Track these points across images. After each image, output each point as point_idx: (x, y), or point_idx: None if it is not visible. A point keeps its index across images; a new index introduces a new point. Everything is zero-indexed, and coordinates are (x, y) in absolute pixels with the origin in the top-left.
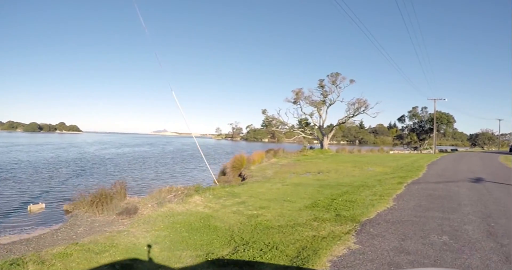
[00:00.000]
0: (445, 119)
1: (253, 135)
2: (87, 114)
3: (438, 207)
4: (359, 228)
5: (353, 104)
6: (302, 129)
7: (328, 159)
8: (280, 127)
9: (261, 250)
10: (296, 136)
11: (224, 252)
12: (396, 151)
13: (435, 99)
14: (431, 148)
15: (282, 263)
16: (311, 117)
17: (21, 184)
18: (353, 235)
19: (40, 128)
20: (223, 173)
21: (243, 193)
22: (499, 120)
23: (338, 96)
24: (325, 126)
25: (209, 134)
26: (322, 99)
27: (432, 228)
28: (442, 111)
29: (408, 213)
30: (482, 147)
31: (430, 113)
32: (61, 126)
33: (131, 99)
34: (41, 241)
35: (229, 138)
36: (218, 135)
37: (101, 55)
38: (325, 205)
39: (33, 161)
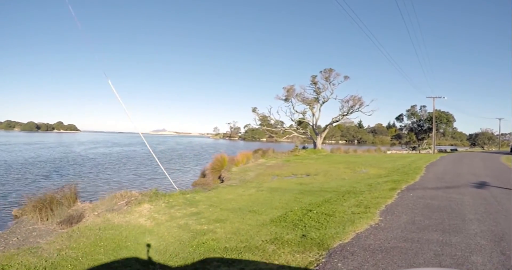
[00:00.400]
0: (444, 118)
1: (251, 135)
2: (86, 113)
3: (436, 224)
4: (324, 259)
5: (347, 101)
6: (295, 128)
7: (320, 160)
8: (277, 126)
9: None
10: (288, 135)
11: None
12: (394, 151)
13: (434, 98)
14: (430, 148)
15: None
16: (303, 116)
17: None
18: None
19: (37, 127)
20: (204, 175)
21: (204, 200)
22: (500, 119)
23: (331, 93)
24: (320, 124)
25: (207, 134)
26: (315, 96)
27: (427, 260)
28: (442, 110)
29: (397, 234)
30: (482, 147)
31: (429, 112)
32: (59, 126)
33: (131, 98)
34: None
35: (227, 138)
36: (216, 134)
37: (101, 54)
38: (295, 219)
39: (9, 161)
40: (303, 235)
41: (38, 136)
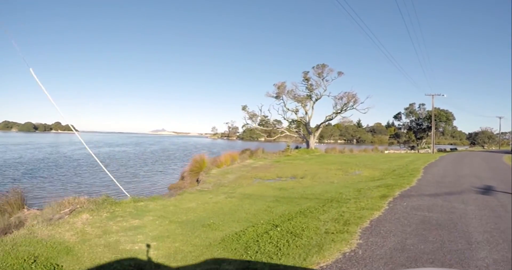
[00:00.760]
0: (444, 117)
1: (249, 134)
2: (85, 114)
3: (434, 250)
4: None
5: (341, 98)
6: (287, 127)
7: (312, 161)
8: (271, 125)
9: None
10: (280, 135)
11: None
12: (391, 151)
13: (433, 95)
14: (429, 147)
15: None
16: (296, 114)
17: None
18: None
19: (35, 128)
20: (183, 177)
21: (158, 210)
22: (500, 118)
23: (325, 90)
24: (312, 123)
25: (205, 134)
26: (308, 93)
27: None
28: (441, 108)
29: None
30: (482, 146)
31: (428, 110)
32: (57, 126)
33: (131, 99)
34: None
35: (225, 138)
36: (214, 134)
37: (100, 54)
38: (251, 239)
39: None
40: (246, 268)
41: (33, 136)
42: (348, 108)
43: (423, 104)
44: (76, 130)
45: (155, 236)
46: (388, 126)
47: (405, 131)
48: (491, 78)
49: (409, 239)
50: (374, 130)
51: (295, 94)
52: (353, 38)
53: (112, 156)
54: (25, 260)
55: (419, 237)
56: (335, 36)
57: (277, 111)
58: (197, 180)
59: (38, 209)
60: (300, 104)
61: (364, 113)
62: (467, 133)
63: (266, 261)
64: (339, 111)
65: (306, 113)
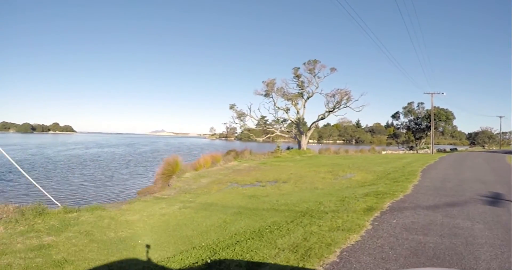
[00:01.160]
0: (443, 116)
1: (247, 135)
2: (83, 114)
3: None
4: None
5: (333, 96)
6: (278, 127)
7: (302, 162)
8: (274, 126)
9: None
10: (270, 135)
11: None
12: (389, 151)
13: (432, 93)
14: (428, 147)
15: None
16: (287, 113)
17: None
18: None
19: (33, 128)
20: (156, 181)
21: (87, 223)
22: (501, 117)
23: (317, 88)
24: (306, 122)
25: (204, 134)
26: (299, 91)
27: None
28: (441, 107)
29: None
30: (483, 146)
31: (427, 109)
32: (55, 127)
33: (131, 99)
34: None
35: (223, 138)
36: (212, 135)
37: (100, 55)
38: None
39: None
40: None
41: (28, 137)
42: (342, 106)
43: (422, 103)
44: (74, 131)
45: (58, 260)
46: (388, 126)
47: (405, 131)
48: (491, 78)
49: None
50: (373, 130)
51: (284, 92)
52: (350, 36)
53: (95, 158)
54: None
55: None
56: (333, 34)
57: (268, 110)
58: (169, 185)
59: None
60: (290, 102)
61: (359, 111)
62: (466, 133)
63: None
64: (331, 109)
65: (298, 112)
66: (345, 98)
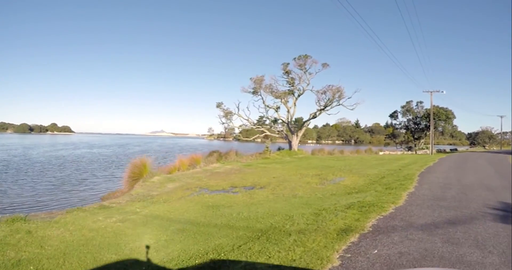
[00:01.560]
0: (443, 115)
1: (245, 135)
2: (83, 115)
3: None
4: None
5: (324, 92)
6: (268, 127)
7: (290, 164)
8: (264, 125)
9: None
10: (258, 135)
11: None
12: (387, 152)
13: (431, 92)
14: (427, 148)
15: None
16: (276, 111)
17: None
18: None
19: (31, 129)
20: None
21: None
22: (501, 117)
23: (307, 84)
24: (302, 120)
25: (202, 135)
26: (289, 88)
27: None
28: (440, 106)
29: None
30: (484, 146)
31: (426, 109)
32: (53, 127)
33: (130, 100)
34: None
35: (221, 138)
36: (210, 135)
37: (100, 55)
38: None
39: None
40: None
41: (23, 138)
42: (335, 105)
43: (421, 102)
44: (72, 131)
45: None
46: (387, 126)
47: (404, 131)
48: (491, 77)
49: None
50: (372, 130)
51: (272, 89)
52: (348, 33)
53: (78, 159)
54: None
55: None
56: (331, 33)
57: (258, 109)
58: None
59: None
60: (280, 100)
61: (352, 109)
62: (466, 133)
63: None
64: (322, 107)
65: (288, 110)
66: (337, 95)
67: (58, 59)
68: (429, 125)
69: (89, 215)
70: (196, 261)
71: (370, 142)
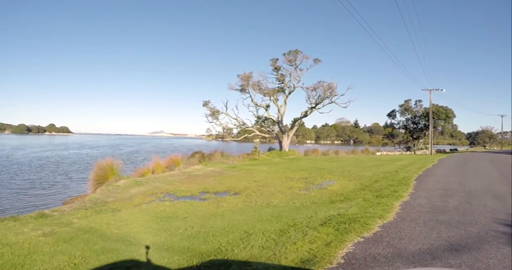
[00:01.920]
0: (443, 114)
1: (243, 136)
2: (83, 116)
3: None
4: None
5: (314, 89)
6: (258, 126)
7: (278, 166)
8: (254, 125)
9: None
10: (247, 134)
11: None
12: (384, 152)
13: (430, 90)
14: (426, 148)
15: None
16: (266, 110)
17: None
18: None
19: (28, 130)
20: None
21: None
22: (502, 116)
23: (298, 81)
24: (287, 120)
25: (201, 135)
26: (279, 85)
27: None
28: (440, 105)
29: None
30: (484, 146)
31: (425, 107)
32: (51, 128)
33: (130, 100)
34: None
35: (220, 139)
36: (209, 135)
37: (100, 55)
38: None
39: None
40: None
41: (18, 138)
42: (327, 102)
43: (419, 101)
44: (71, 132)
45: None
46: (386, 126)
47: (404, 131)
48: (491, 77)
49: None
50: (371, 130)
51: (260, 86)
52: (346, 32)
53: (61, 160)
54: None
55: None
56: (329, 32)
57: (248, 108)
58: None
59: None
60: (268, 97)
61: (345, 107)
62: (465, 132)
63: None
64: (313, 105)
65: (279, 109)
66: (328, 92)
67: (57, 59)
68: (428, 125)
69: (18, 225)
70: None
71: (369, 142)
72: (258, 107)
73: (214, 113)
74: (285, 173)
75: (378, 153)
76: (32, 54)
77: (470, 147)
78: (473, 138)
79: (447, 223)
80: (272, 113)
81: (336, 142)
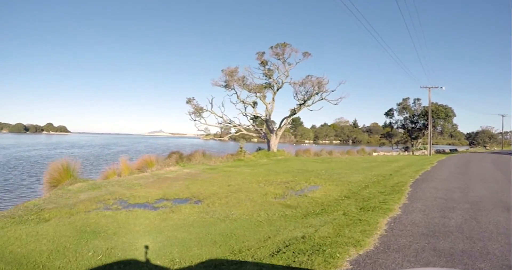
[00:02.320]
0: (442, 113)
1: (241, 135)
2: (82, 115)
3: None
4: None
5: (302, 84)
6: (246, 125)
7: (262, 168)
8: (240, 123)
9: None
10: (233, 134)
11: None
12: (381, 153)
13: (429, 88)
14: (425, 148)
15: None
16: (253, 107)
17: None
18: None
19: (26, 129)
20: None
21: None
22: (502, 116)
23: (286, 77)
24: (277, 118)
25: (199, 135)
26: (266, 81)
27: None
28: (439, 103)
29: None
30: (485, 147)
31: (424, 106)
32: (49, 127)
33: (129, 100)
34: None
35: (217, 138)
36: (206, 135)
37: (99, 55)
38: None
39: None
40: None
41: (13, 137)
42: (317, 99)
43: (418, 99)
44: (68, 131)
45: None
46: (385, 125)
47: (403, 131)
48: (491, 76)
49: None
50: (370, 130)
51: (245, 82)
52: (345, 28)
53: (41, 160)
54: None
55: None
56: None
57: (235, 105)
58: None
59: None
60: (254, 94)
61: (336, 104)
62: (465, 132)
63: None
64: (302, 102)
65: (266, 106)
66: (317, 87)
67: (56, 58)
68: (427, 124)
69: None
70: None
71: (368, 142)
72: (246, 104)
73: (198, 111)
74: (267, 176)
75: (374, 154)
76: (30, 53)
77: (470, 147)
78: (472, 138)
79: (448, 254)
80: (261, 111)
81: (334, 142)
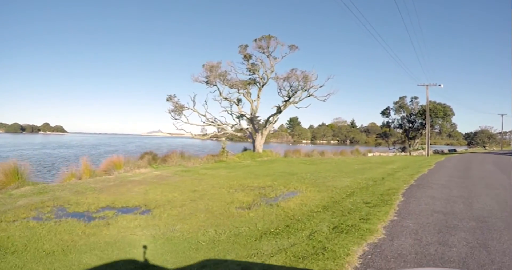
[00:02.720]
0: (441, 112)
1: (238, 135)
2: (80, 115)
3: None
4: None
5: (286, 79)
6: (232, 124)
7: (241, 170)
8: (225, 122)
9: None
10: (216, 133)
11: None
12: (377, 153)
13: (427, 85)
14: (423, 148)
15: None
16: (237, 105)
17: None
18: None
19: (22, 129)
20: None
21: None
22: (502, 115)
23: (272, 72)
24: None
25: (196, 135)
26: (250, 76)
27: None
28: (438, 102)
29: None
30: (484, 147)
31: (421, 105)
32: (45, 127)
33: (128, 100)
34: None
35: (214, 138)
36: (203, 135)
37: (99, 55)
38: None
39: None
40: None
41: (9, 137)
42: (304, 95)
43: (416, 97)
44: (65, 131)
45: None
46: (383, 125)
47: (402, 131)
48: (491, 75)
49: None
50: (368, 130)
51: (226, 77)
52: (345, 30)
53: (17, 161)
54: None
55: None
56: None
57: (220, 103)
58: None
59: None
60: (237, 90)
61: (323, 100)
62: (463, 132)
63: None
64: (286, 98)
65: (251, 103)
66: (302, 81)
67: (53, 58)
68: (425, 123)
69: None
70: None
71: (365, 142)
72: (231, 102)
73: (178, 109)
74: (243, 180)
75: (369, 154)
76: (27, 53)
77: (469, 147)
78: (471, 138)
79: None
80: (246, 109)
81: (332, 142)
